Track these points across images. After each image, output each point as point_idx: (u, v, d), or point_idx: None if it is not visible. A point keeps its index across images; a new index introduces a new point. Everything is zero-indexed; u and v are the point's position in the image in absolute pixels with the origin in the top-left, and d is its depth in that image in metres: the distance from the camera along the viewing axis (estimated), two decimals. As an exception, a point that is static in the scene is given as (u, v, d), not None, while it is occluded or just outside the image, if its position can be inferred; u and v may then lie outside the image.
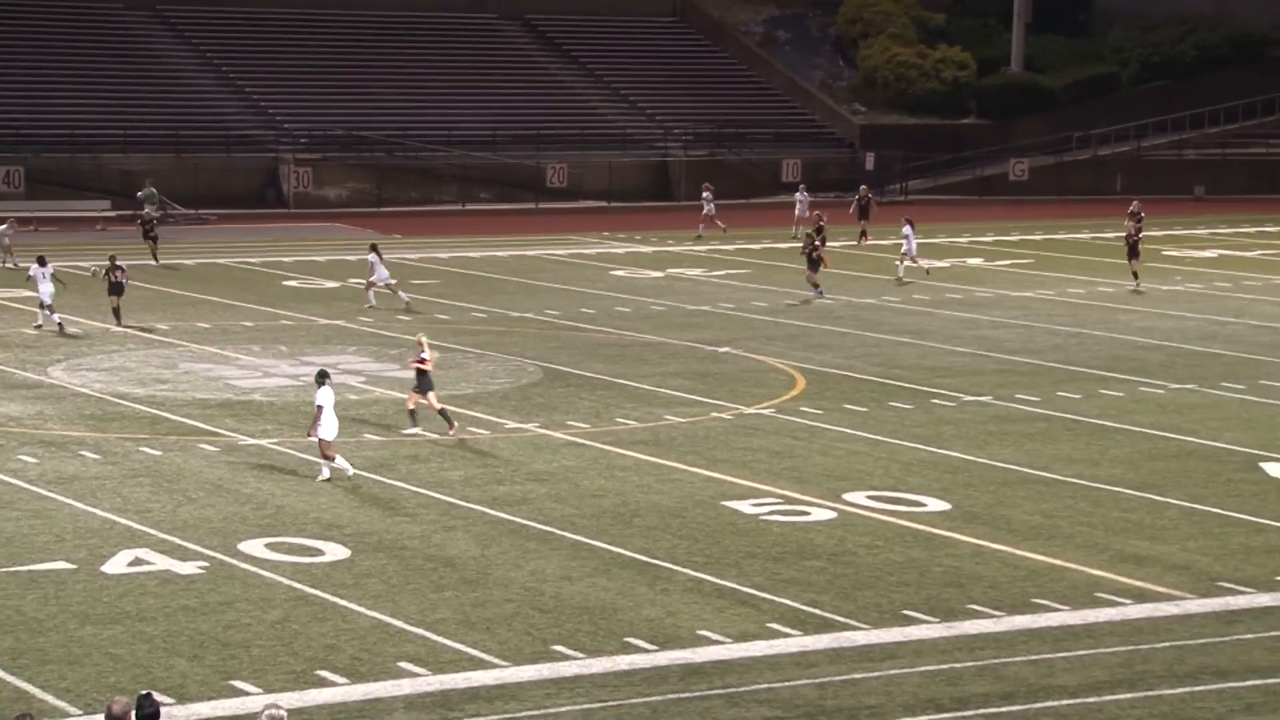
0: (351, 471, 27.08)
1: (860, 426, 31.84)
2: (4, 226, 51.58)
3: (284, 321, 43.04)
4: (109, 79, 71.16)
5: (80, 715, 17.44)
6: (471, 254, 57.53)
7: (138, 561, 22.71)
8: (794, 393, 35.03)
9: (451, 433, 30.16)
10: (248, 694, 18.21)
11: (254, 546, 23.48)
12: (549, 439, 30.50)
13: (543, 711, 18.05)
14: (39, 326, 40.48)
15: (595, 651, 19.72)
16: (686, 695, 18.52)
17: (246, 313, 44.18)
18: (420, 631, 20.26)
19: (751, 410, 33.27)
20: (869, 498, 26.80)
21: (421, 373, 30.36)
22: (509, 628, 20.44)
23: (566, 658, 19.53)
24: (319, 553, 23.33)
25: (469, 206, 72.14)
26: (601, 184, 74.26)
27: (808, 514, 25.86)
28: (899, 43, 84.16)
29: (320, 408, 27.01)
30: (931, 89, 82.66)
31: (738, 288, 50.54)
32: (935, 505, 26.45)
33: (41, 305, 40.82)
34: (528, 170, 73.92)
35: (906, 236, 51.71)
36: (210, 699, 18.07)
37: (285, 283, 50.04)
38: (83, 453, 28.67)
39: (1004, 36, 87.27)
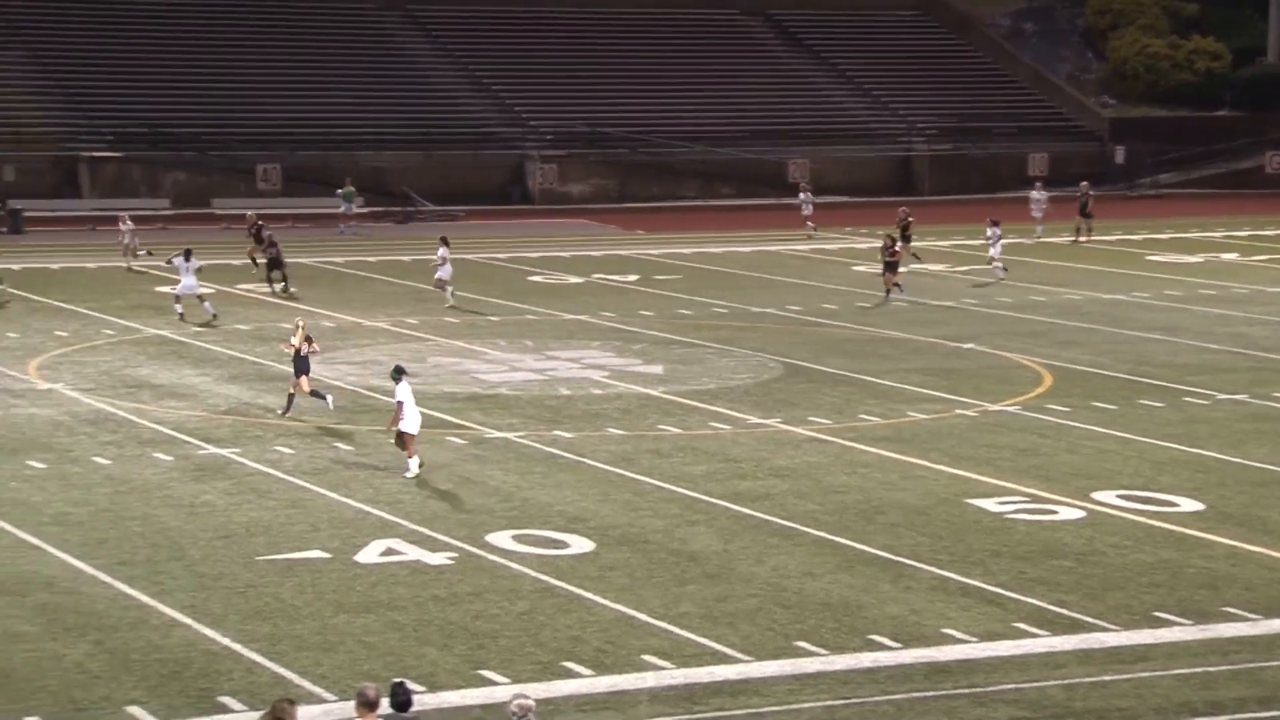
0: (414, 473, 27.01)
1: (1109, 424, 31.28)
2: (126, 225, 50.71)
3: (529, 316, 43.60)
4: (362, 79, 72.70)
5: (335, 701, 17.88)
6: (713, 249, 57.69)
7: (389, 551, 23.19)
8: (1040, 390, 34.53)
9: (282, 414, 30.72)
10: (496, 683, 18.50)
11: (501, 538, 23.84)
12: (791, 435, 30.47)
13: (786, 707, 18.05)
14: (181, 317, 40.86)
15: (838, 648, 19.67)
16: (931, 694, 18.38)
17: (493, 307, 44.83)
18: (664, 625, 20.39)
19: (996, 407, 32.87)
20: (1119, 497, 26.32)
21: (298, 357, 30.80)
22: (752, 623, 20.47)
23: (809, 654, 19.50)
24: (564, 545, 23.60)
25: (710, 202, 72.32)
26: (843, 179, 73.92)
27: (1055, 513, 25.48)
28: (1150, 34, 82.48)
29: (400, 403, 27.11)
30: (1184, 81, 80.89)
31: (981, 283, 49.95)
32: (1188, 505, 25.89)
33: (177, 298, 41.21)
34: (769, 166, 73.90)
35: (992, 237, 50.46)
36: (459, 688, 18.39)
37: (530, 278, 50.68)
38: (336, 444, 29.35)
39: (1260, 26, 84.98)
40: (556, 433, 30.36)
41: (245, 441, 29.29)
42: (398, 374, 27.71)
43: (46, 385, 33.58)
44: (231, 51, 72.22)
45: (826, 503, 25.92)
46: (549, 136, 73.04)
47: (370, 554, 23.04)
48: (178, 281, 41.84)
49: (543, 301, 45.94)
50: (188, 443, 29.11)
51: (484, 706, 17.93)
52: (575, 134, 73.20)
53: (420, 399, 32.94)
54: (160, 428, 30.19)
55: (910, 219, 53.50)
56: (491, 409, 32.38)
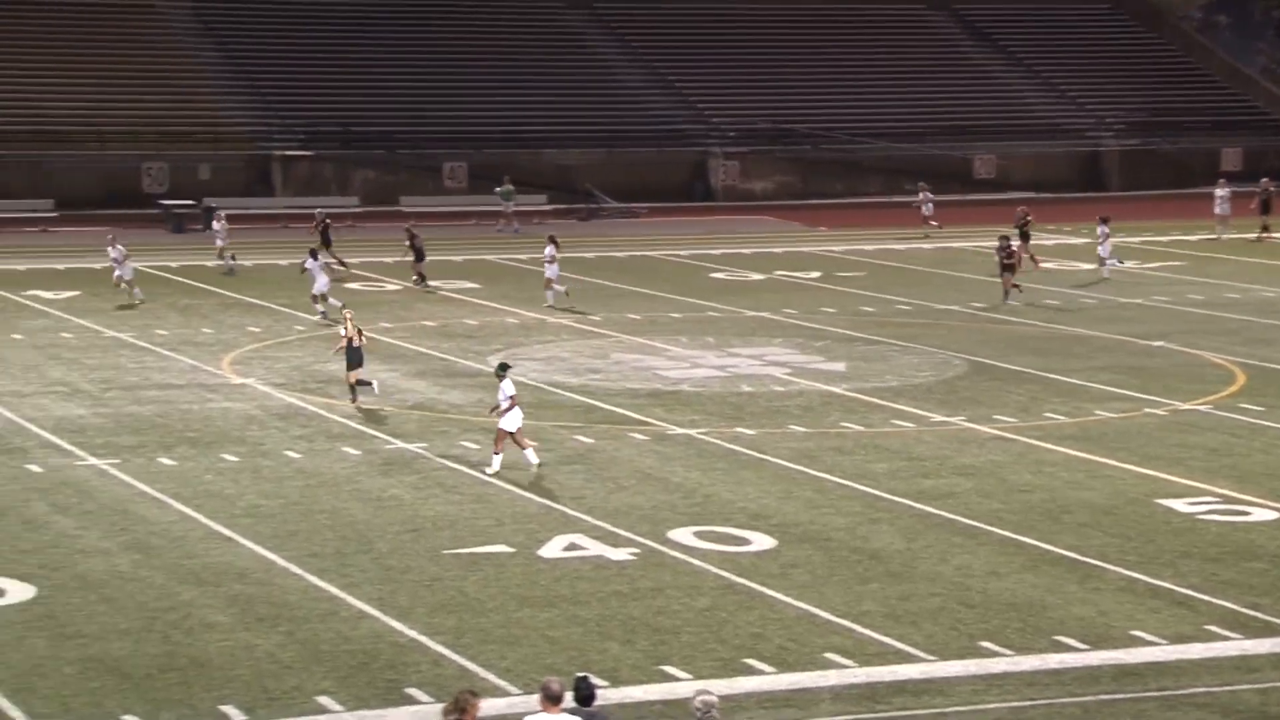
0: (537, 462, 27.07)
1: (1304, 425, 30.59)
2: (218, 225, 50.77)
3: (710, 313, 43.64)
4: (548, 77, 73.23)
5: (519, 694, 18.03)
6: (896, 246, 57.30)
7: (572, 547, 23.34)
8: (1233, 389, 33.85)
9: (355, 403, 31.44)
10: (678, 679, 18.55)
11: (683, 534, 23.89)
12: (975, 433, 30.18)
13: (971, 708, 17.89)
14: (323, 315, 40.90)
15: (1024, 649, 19.45)
16: (1120, 696, 18.12)
17: (675, 304, 44.93)
18: (846, 623, 20.31)
19: (1187, 406, 32.28)
20: (1313, 499, 25.74)
21: (353, 349, 31.50)
22: (935, 622, 20.32)
23: (995, 654, 19.31)
24: (746, 542, 23.59)
25: (895, 198, 71.87)
26: (1029, 175, 73.05)
27: (1248, 514, 24.96)
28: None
29: (512, 398, 27.09)
30: (1383, 72, 78.85)
31: (1172, 280, 49.09)
32: (1385, 508, 25.23)
33: (314, 297, 41.22)
34: (954, 161, 73.23)
35: (1101, 235, 49.21)
36: (642, 683, 18.46)
37: (712, 275, 50.72)
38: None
39: None
40: (738, 429, 30.36)
41: (431, 436, 29.65)
42: (503, 370, 27.68)
43: (239, 380, 34.27)
44: (421, 52, 73.14)
45: (1011, 502, 25.63)
46: (732, 134, 73.06)
47: (553, 549, 23.21)
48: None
49: (724, 298, 45.95)
50: (376, 437, 29.54)
51: (666, 702, 17.99)
52: (758, 131, 73.12)
53: (603, 395, 33.12)
54: (349, 422, 30.66)
55: (1029, 219, 52.50)
56: (673, 405, 32.46)
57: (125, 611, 20.47)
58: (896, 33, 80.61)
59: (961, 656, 19.22)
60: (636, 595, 21.29)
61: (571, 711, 14.29)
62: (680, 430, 30.37)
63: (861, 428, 30.53)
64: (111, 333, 39.16)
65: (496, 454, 27.20)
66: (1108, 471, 27.39)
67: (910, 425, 30.81)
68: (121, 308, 42.66)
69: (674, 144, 72.28)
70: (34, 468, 27.00)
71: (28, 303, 43.01)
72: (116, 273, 43.28)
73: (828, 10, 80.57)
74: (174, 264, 49.19)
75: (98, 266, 48.70)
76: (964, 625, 20.20)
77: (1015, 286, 45.06)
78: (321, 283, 41.33)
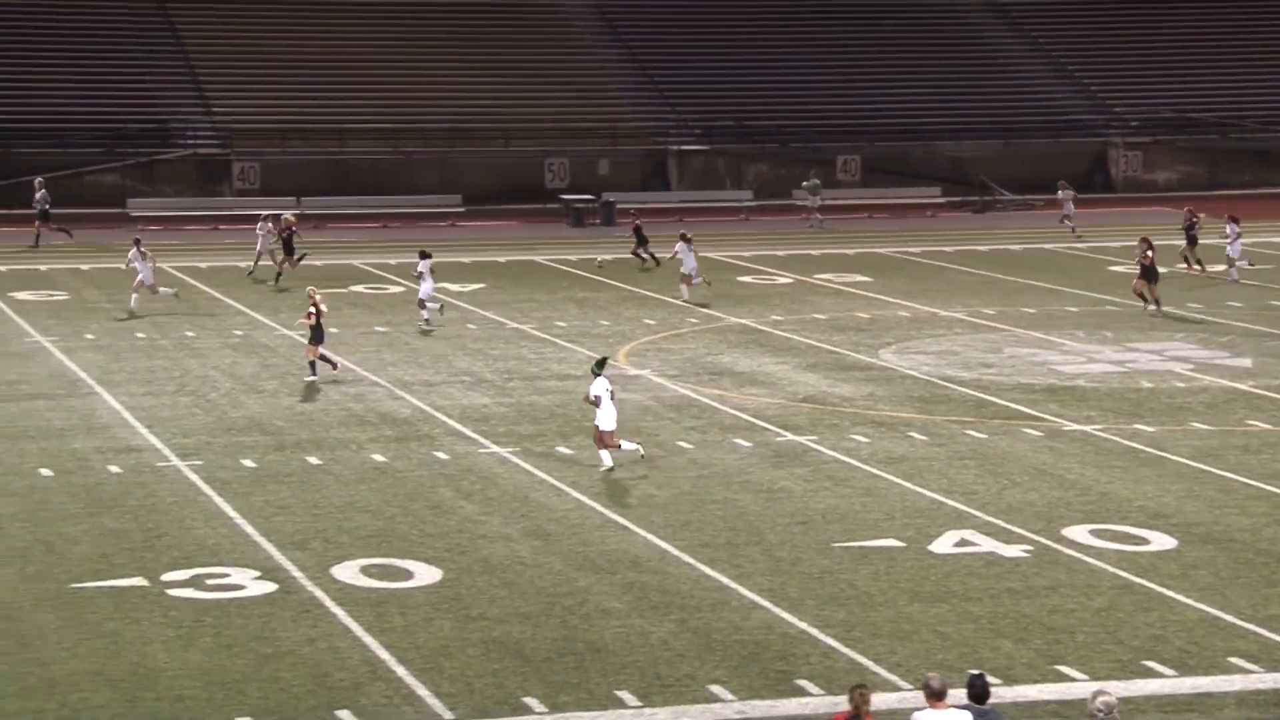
0: (609, 465, 26.60)
1: None
2: (261, 229, 47.19)
3: (1109, 307, 42.65)
4: (942, 68, 72.46)
5: (910, 690, 17.95)
6: (1308, 238, 55.10)
7: (963, 543, 23.12)
8: None
9: (313, 379, 32.67)
10: (1073, 680, 18.22)
11: (1078, 532, 23.43)
12: (1393, 433, 28.82)
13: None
14: (429, 320, 39.68)
15: None
16: None
17: (1071, 298, 44.05)
18: (1251, 627, 19.65)
19: None
20: None
21: (314, 326, 32.71)
22: (1347, 630, 19.50)
23: None
24: (1144, 541, 23.02)
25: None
26: None
27: None
28: None
29: (599, 397, 26.47)
30: None
31: None
32: None
33: (421, 303, 39.97)
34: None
35: (1230, 234, 45.37)
36: (1035, 682, 18.20)
37: (1111, 268, 49.55)
38: (911, 434, 29.44)
39: None
40: (1137, 426, 29.62)
41: (822, 429, 29.72)
42: (598, 367, 27.18)
43: (635, 371, 34.90)
44: (815, 45, 73.21)
45: None
46: (1134, 123, 71.23)
47: (944, 544, 23.02)
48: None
49: (1125, 292, 44.83)
50: (766, 429, 29.74)
51: (1061, 702, 17.70)
52: (1161, 120, 71.12)
53: (996, 390, 32.72)
54: (740, 414, 30.95)
55: (1197, 219, 48.65)
56: (1069, 401, 31.84)
57: (525, 596, 21.07)
58: None
59: (1375, 666, 18.41)
60: (1030, 593, 20.97)
61: (964, 708, 14.20)
62: (1075, 426, 29.78)
63: (1269, 426, 29.45)
64: (514, 324, 40.30)
65: (602, 450, 26.80)
66: None
67: (1321, 424, 29.62)
68: (523, 300, 43.78)
69: (1072, 134, 70.83)
70: (441, 454, 27.98)
71: (437, 295, 44.49)
72: (139, 278, 41.10)
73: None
74: (573, 257, 50.34)
75: (502, 260, 50.24)
76: (1378, 634, 19.35)
77: (1142, 296, 41.21)
78: (426, 288, 39.81)
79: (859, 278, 47.76)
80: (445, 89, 68.13)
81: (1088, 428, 29.64)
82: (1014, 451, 28.04)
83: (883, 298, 44.26)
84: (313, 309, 33.10)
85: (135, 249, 41.68)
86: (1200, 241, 48.76)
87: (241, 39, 68.55)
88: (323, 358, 33.41)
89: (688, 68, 71.53)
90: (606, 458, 26.84)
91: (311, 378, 33.08)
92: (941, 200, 65.42)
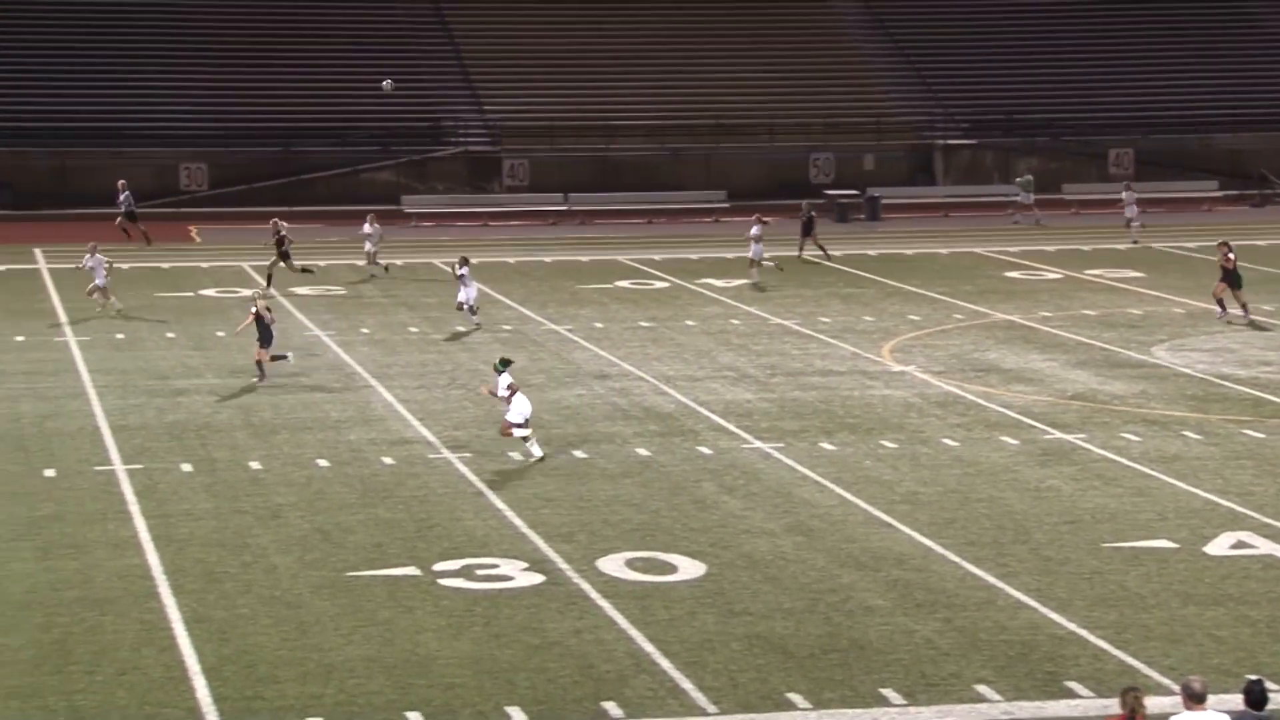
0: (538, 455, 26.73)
1: None
2: (369, 228, 46.55)
3: (1396, 303, 41.16)
4: (1219, 60, 70.67)
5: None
6: None
7: (1240, 545, 22.53)
8: None
9: (259, 381, 32.50)
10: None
11: (1362, 536, 22.68)
12: None
13: None
14: (478, 325, 38.90)
15: None
16: None
17: (1356, 294, 42.64)
18: None
19: None
20: None
21: (263, 326, 32.77)
22: None
23: None
24: None
25: None
26: None
27: None
28: None
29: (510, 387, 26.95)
30: None
31: None
32: None
33: (459, 307, 39.12)
34: None
35: None
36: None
37: (1398, 263, 47.82)
38: (1184, 433, 28.77)
39: None
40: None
41: (1091, 427, 29.19)
42: (502, 365, 27.57)
43: (899, 368, 34.66)
44: (1086, 37, 71.83)
45: None
46: None
47: (1220, 546, 22.47)
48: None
49: None
50: (1034, 427, 29.31)
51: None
52: None
53: (1274, 388, 31.78)
54: (1007, 411, 30.54)
55: None
56: (1353, 400, 30.80)
57: (789, 591, 21.07)
58: None
59: None
60: (1326, 599, 20.36)
61: (1239, 715, 13.86)
62: (1360, 427, 28.82)
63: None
64: (777, 320, 40.29)
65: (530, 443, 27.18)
66: None
67: None
68: (788, 296, 43.75)
69: (1357, 125, 68.55)
70: (704, 449, 28.10)
71: (701, 290, 44.75)
72: (95, 282, 40.36)
73: None
74: (838, 252, 50.14)
75: (748, 254, 50.28)
76: None
77: (1220, 303, 39.02)
78: (469, 292, 39.02)
79: (1131, 273, 46.81)
80: (711, 85, 68.35)
81: (1372, 428, 28.67)
82: (1292, 452, 27.25)
83: (1154, 293, 43.31)
84: (253, 309, 33.37)
85: (90, 254, 40.81)
86: None
87: (513, 39, 69.62)
88: (273, 358, 33.22)
89: (954, 61, 70.77)
90: (536, 449, 27.18)
91: (258, 378, 32.99)
92: (1219, 194, 63.74)
